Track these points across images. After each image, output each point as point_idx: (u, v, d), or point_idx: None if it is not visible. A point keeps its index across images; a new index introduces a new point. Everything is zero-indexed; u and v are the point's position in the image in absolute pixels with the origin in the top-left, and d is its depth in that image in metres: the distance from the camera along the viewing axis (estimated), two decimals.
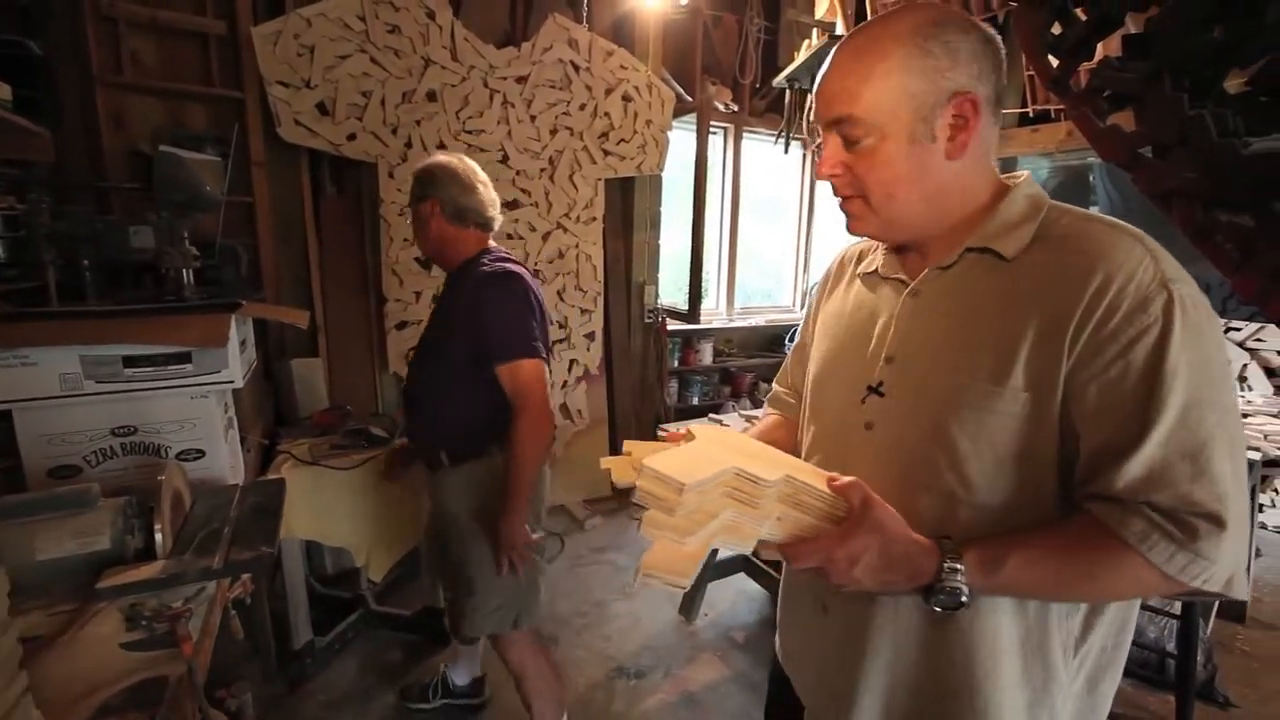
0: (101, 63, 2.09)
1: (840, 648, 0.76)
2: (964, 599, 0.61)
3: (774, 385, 1.02)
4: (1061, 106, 2.97)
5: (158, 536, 0.96)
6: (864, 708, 0.73)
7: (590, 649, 2.14)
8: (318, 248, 2.55)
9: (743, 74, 3.60)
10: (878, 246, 0.81)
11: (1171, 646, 1.92)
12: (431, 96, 2.57)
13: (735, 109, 3.70)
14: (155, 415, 1.29)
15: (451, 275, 1.54)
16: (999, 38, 0.67)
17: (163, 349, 1.22)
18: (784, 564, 0.73)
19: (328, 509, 1.82)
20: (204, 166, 1.61)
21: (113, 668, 0.86)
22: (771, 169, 4.20)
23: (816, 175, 0.75)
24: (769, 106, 3.83)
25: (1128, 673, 1.96)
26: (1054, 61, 1.57)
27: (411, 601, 2.24)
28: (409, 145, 2.55)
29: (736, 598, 2.45)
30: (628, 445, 0.75)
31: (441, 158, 1.52)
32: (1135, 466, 0.57)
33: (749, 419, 2.31)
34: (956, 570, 0.61)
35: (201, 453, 1.34)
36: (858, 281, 0.83)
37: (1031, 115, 3.66)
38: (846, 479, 0.63)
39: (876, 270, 0.79)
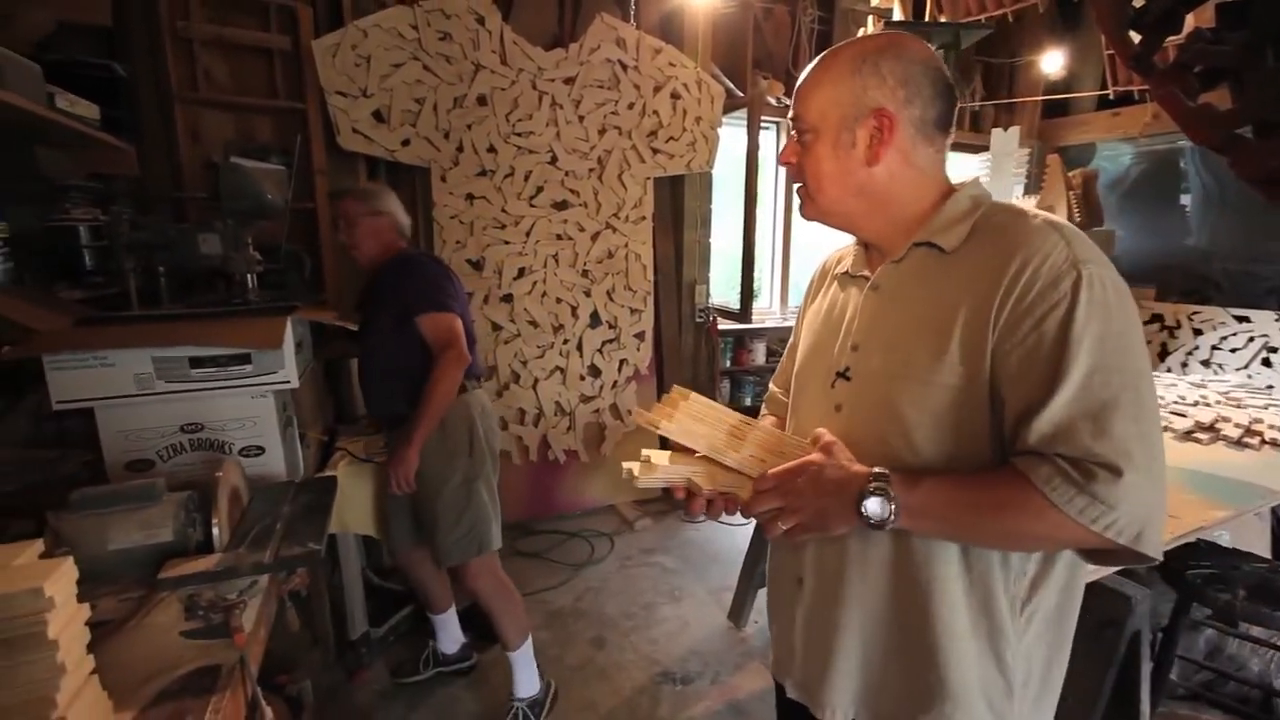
0: (179, 81, 2.22)
1: (816, 615, 0.85)
2: (892, 506, 0.69)
3: (770, 386, 1.10)
4: (1145, 86, 2.76)
5: (214, 531, 1.01)
6: (842, 671, 0.82)
7: (637, 652, 2.13)
8: None
9: (795, 66, 3.51)
10: (852, 249, 0.91)
11: (1279, 683, 1.74)
12: (482, 101, 2.61)
13: (788, 103, 3.61)
14: (219, 413, 1.36)
15: (372, 272, 1.79)
16: (942, 69, 0.76)
17: (224, 350, 1.28)
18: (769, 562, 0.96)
19: (382, 505, 1.87)
20: (267, 175, 1.69)
21: (172, 654, 0.90)
22: None
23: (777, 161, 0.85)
24: None
25: (1225, 708, 1.80)
26: (1135, 37, 1.45)
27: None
28: (460, 149, 2.60)
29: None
30: (645, 452, 0.85)
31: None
32: (1044, 423, 0.65)
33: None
34: (883, 476, 0.70)
35: (261, 449, 1.40)
36: (835, 283, 0.92)
37: (1112, 98, 3.40)
38: (826, 434, 0.78)
39: (847, 270, 0.89)
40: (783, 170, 3.79)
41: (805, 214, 0.85)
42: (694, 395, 0.85)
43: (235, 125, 2.39)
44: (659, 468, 0.81)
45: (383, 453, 1.93)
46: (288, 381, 1.38)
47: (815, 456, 0.76)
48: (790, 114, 0.82)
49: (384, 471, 1.87)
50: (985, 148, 4.05)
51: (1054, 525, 0.65)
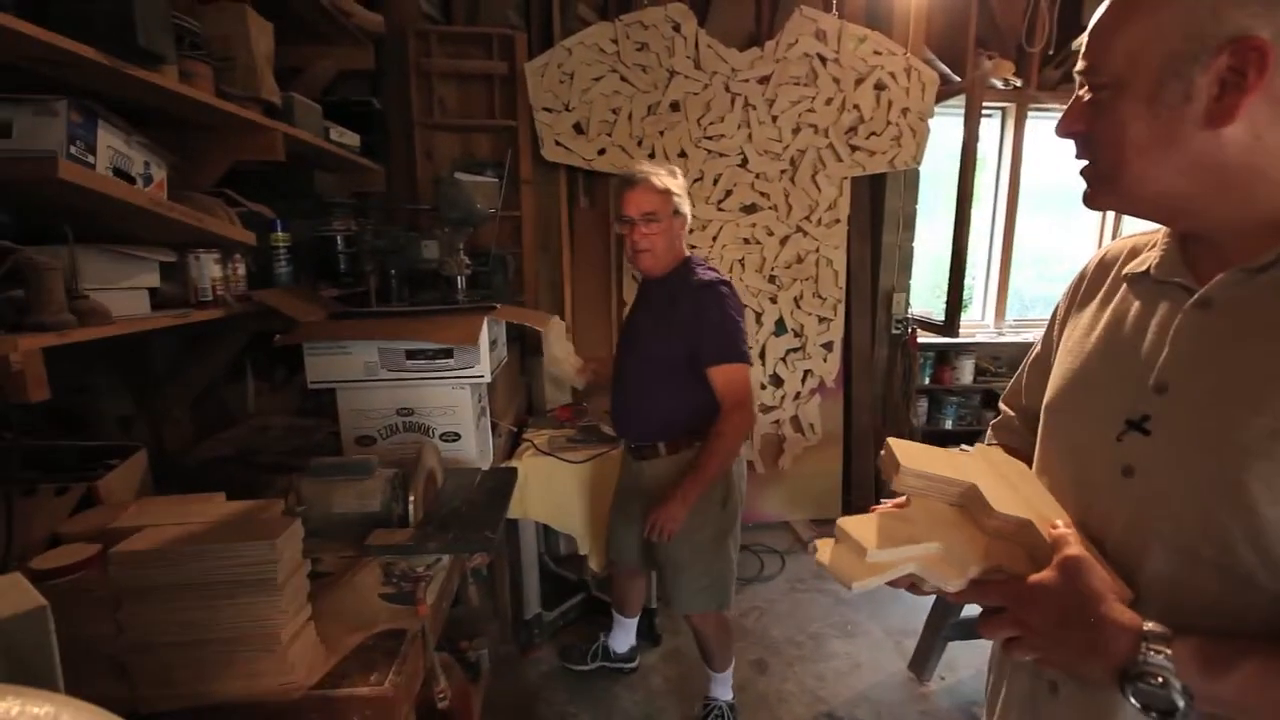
0: (419, 109, 2.58)
1: None
2: (1177, 698, 0.47)
3: (1001, 406, 0.85)
4: None
5: (409, 508, 1.13)
6: None
7: (800, 684, 1.99)
8: (570, 255, 2.82)
9: (1030, 41, 3.02)
10: (1154, 241, 0.65)
11: None
12: (675, 106, 2.65)
13: (1018, 84, 3.13)
14: (426, 401, 1.53)
15: (652, 281, 1.69)
16: None
17: (431, 345, 1.44)
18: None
19: (559, 497, 1.98)
20: (478, 188, 1.88)
21: (371, 613, 1.02)
22: (1064, 153, 3.46)
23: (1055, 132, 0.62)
24: (1065, 77, 3.16)
25: None
26: None
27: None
28: (651, 155, 2.66)
29: (984, 665, 2.05)
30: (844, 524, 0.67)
31: (669, 174, 1.65)
32: None
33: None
34: (1163, 655, 0.48)
35: (458, 435, 1.55)
36: (1122, 286, 0.66)
37: None
38: (1072, 543, 0.55)
39: (1149, 271, 0.63)
40: (1005, 164, 3.32)
41: (1095, 202, 0.62)
42: (905, 468, 0.65)
43: (460, 144, 2.71)
44: (868, 565, 0.61)
45: (564, 447, 2.04)
46: (482, 376, 1.51)
47: (1048, 579, 0.54)
48: (1079, 65, 0.58)
49: (563, 466, 1.98)
50: None
51: None
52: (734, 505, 1.66)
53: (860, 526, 0.64)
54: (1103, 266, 0.71)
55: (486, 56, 2.59)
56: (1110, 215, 3.57)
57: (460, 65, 2.57)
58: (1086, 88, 0.58)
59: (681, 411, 1.62)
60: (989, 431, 0.87)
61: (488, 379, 1.53)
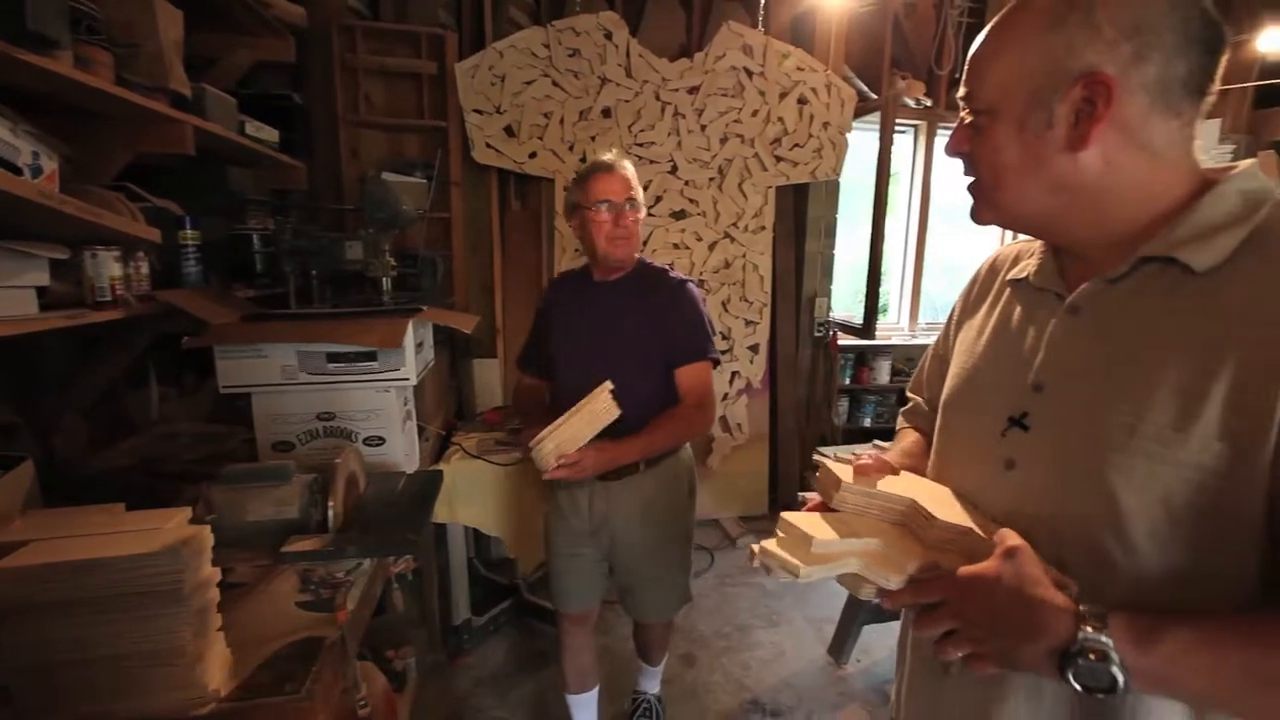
0: (345, 105, 2.50)
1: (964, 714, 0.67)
2: (1116, 674, 0.48)
3: (908, 394, 0.90)
4: None
5: (329, 513, 1.11)
6: None
7: (727, 675, 2.06)
8: (501, 258, 2.81)
9: (939, 64, 3.25)
10: (1034, 249, 0.70)
11: None
12: (606, 113, 2.69)
13: (929, 104, 3.36)
14: (349, 405, 1.50)
15: (603, 282, 1.53)
16: (1213, 10, 0.54)
17: (353, 348, 1.41)
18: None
19: (487, 500, 1.98)
20: (406, 188, 1.85)
21: (287, 622, 1.00)
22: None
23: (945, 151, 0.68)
24: None
25: None
26: None
27: None
28: (583, 160, 2.69)
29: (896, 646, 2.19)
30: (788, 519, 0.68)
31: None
32: None
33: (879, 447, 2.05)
34: (1102, 632, 0.49)
35: (382, 440, 1.53)
36: (1007, 290, 0.72)
37: None
38: (1012, 537, 0.56)
39: (1028, 278, 0.68)
40: (917, 178, 3.55)
41: (979, 217, 0.66)
42: (845, 485, 0.67)
43: (388, 143, 2.65)
44: (813, 554, 0.61)
45: (493, 450, 2.03)
46: (407, 379, 1.49)
47: (987, 567, 0.54)
48: (960, 91, 0.64)
49: (492, 469, 1.96)
50: None
51: None
52: (693, 497, 1.65)
53: (805, 520, 0.65)
54: (992, 271, 0.78)
55: (415, 55, 2.54)
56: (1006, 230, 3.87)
57: (387, 62, 2.52)
58: (968, 112, 0.63)
59: (641, 417, 1.45)
60: (899, 418, 0.93)
61: (413, 382, 1.51)
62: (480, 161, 2.58)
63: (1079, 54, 0.54)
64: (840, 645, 2.12)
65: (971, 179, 0.65)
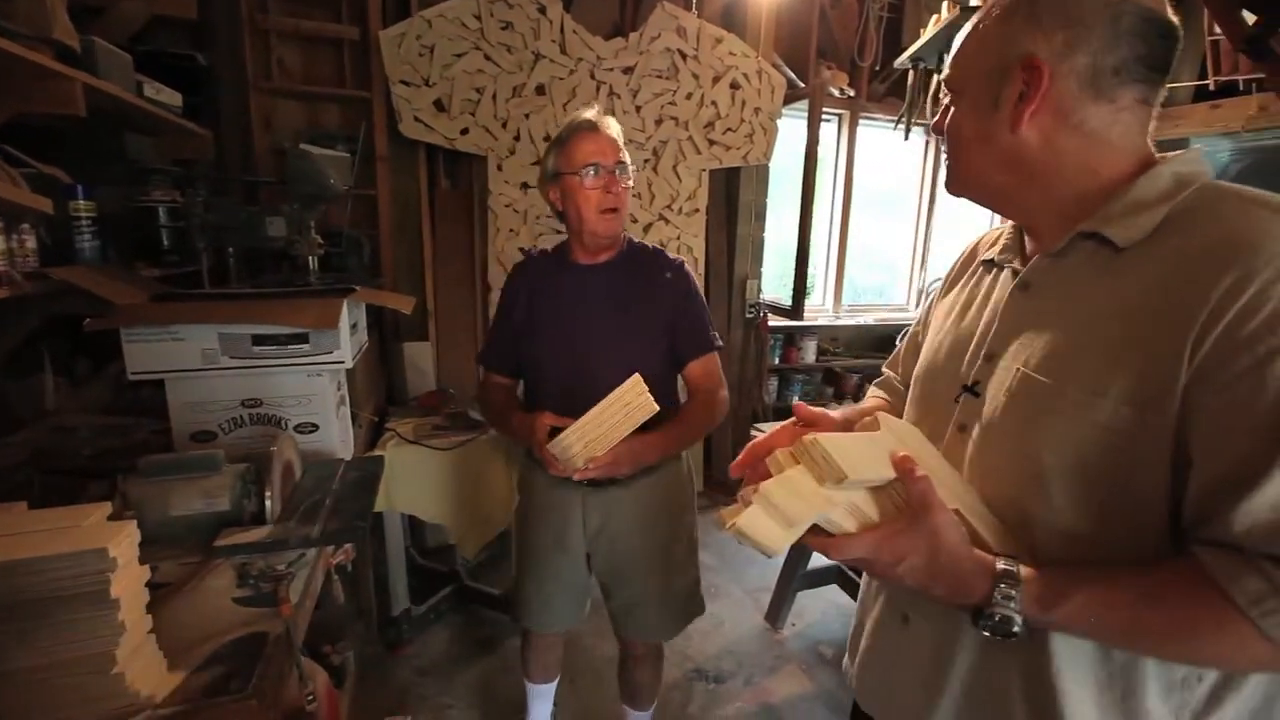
0: (255, 71, 2.32)
1: (918, 667, 0.71)
2: (1015, 629, 0.56)
3: (884, 369, 0.98)
4: (1256, 75, 2.53)
5: (267, 503, 1.05)
6: None
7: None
8: (431, 237, 2.70)
9: (862, 56, 3.38)
10: (1008, 231, 0.75)
11: None
12: (540, 90, 2.63)
13: (851, 94, 3.49)
14: (278, 390, 1.41)
15: (601, 264, 1.34)
16: (1155, 6, 0.58)
17: (283, 329, 1.33)
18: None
19: (426, 486, 1.92)
20: (331, 162, 1.74)
21: (224, 620, 0.94)
22: (889, 159, 3.93)
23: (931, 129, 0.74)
24: (889, 91, 3.58)
25: None
26: (1250, 18, 1.32)
27: (504, 581, 2.32)
28: (517, 138, 2.63)
29: (828, 609, 2.33)
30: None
31: None
32: (1260, 507, 0.47)
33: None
34: (1011, 598, 0.56)
35: (315, 427, 1.45)
36: (980, 269, 0.77)
37: (1212, 88, 3.13)
38: (918, 471, 0.59)
39: (993, 258, 0.74)
40: (841, 166, 3.70)
41: (949, 188, 0.72)
42: (851, 479, 0.57)
43: (305, 113, 2.48)
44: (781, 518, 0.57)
45: (430, 435, 1.98)
46: (342, 362, 1.42)
47: (919, 539, 0.57)
48: (943, 74, 0.71)
49: (430, 454, 1.91)
50: None
51: (1254, 657, 0.50)
52: (695, 503, 1.51)
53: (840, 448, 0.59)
54: (973, 253, 0.82)
55: (334, 19, 2.39)
56: (923, 218, 4.12)
57: (303, 25, 2.35)
58: (946, 94, 0.69)
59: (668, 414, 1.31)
60: (871, 387, 0.99)
61: (348, 365, 1.45)
62: (408, 136, 2.46)
63: (1021, 41, 0.60)
64: (776, 612, 2.22)
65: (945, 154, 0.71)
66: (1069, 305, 0.61)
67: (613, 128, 1.29)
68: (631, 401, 1.17)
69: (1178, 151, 0.61)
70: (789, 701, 1.90)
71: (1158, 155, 0.61)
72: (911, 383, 0.82)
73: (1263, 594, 0.47)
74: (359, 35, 2.41)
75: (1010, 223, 0.75)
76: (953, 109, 0.67)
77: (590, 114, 1.28)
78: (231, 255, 1.63)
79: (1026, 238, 0.71)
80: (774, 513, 0.57)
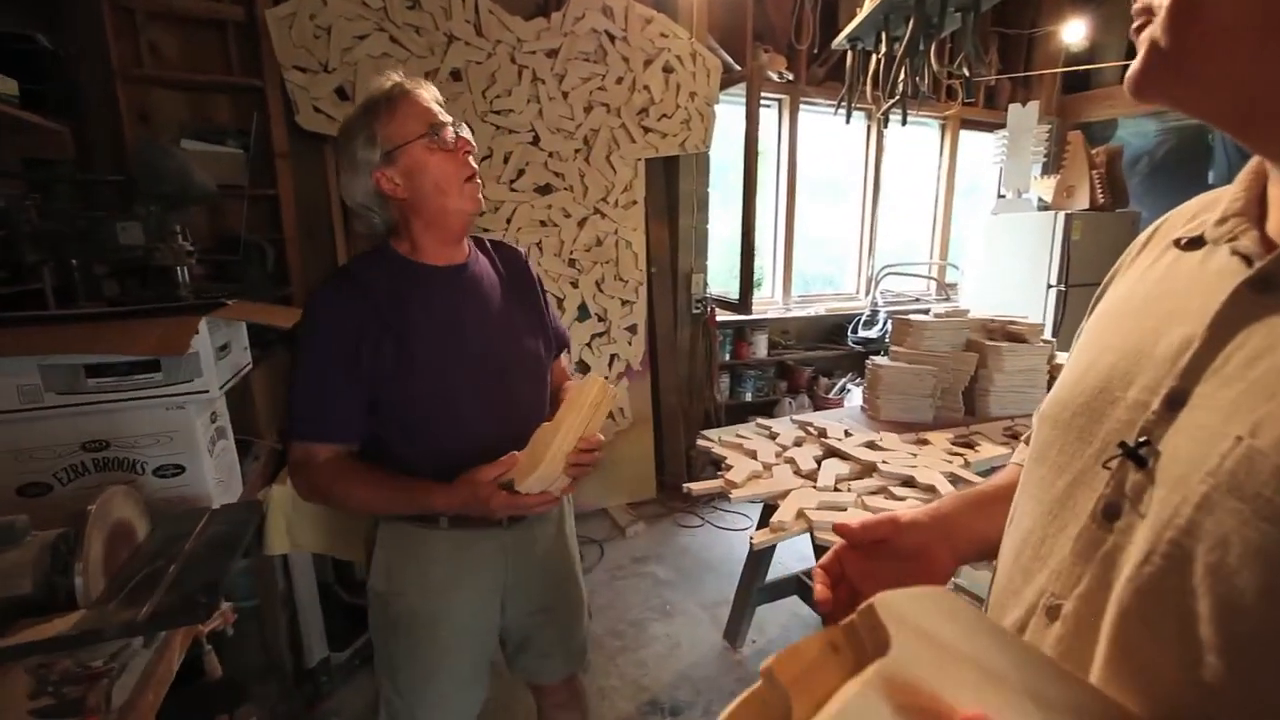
0: (121, 56, 2.03)
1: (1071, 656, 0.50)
2: None
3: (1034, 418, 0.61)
4: None
5: (78, 581, 0.83)
6: None
7: (624, 677, 1.95)
8: (345, 242, 2.46)
9: (798, 39, 3.27)
10: (1226, 196, 0.43)
11: None
12: (456, 76, 2.41)
13: (790, 78, 3.39)
14: (128, 428, 1.18)
15: (462, 265, 1.09)
16: None
17: (123, 358, 1.10)
18: None
19: (339, 519, 1.70)
20: (214, 158, 1.51)
21: None
22: (832, 145, 3.85)
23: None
24: (829, 74, 3.49)
25: None
26: None
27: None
28: None
29: (790, 622, 2.20)
30: None
31: None
32: None
33: (803, 425, 2.04)
34: None
35: (180, 469, 1.22)
36: (1168, 255, 0.46)
37: None
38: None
39: (1202, 235, 0.43)
40: (784, 153, 3.59)
41: (1131, 86, 0.39)
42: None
43: (189, 105, 2.21)
44: None
45: None
46: (206, 391, 1.20)
47: None
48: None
49: None
50: (1002, 125, 3.81)
51: None
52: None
53: None
54: (1156, 235, 0.51)
55: None
56: (869, 203, 4.05)
57: (175, 5, 2.07)
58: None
59: (540, 414, 1.14)
60: (1019, 447, 0.67)
61: (214, 394, 1.22)
62: (307, 128, 2.21)
63: None
64: (735, 629, 2.08)
65: (1140, 30, 0.39)
66: None
67: (431, 87, 1.06)
68: (601, 402, 1.01)
69: None
70: None
71: None
72: (1036, 420, 0.52)
73: None
74: (244, 15, 2.14)
75: (1241, 182, 0.43)
76: None
77: (397, 76, 1.05)
78: (75, 269, 1.37)
79: (1273, 203, 0.40)
80: None
